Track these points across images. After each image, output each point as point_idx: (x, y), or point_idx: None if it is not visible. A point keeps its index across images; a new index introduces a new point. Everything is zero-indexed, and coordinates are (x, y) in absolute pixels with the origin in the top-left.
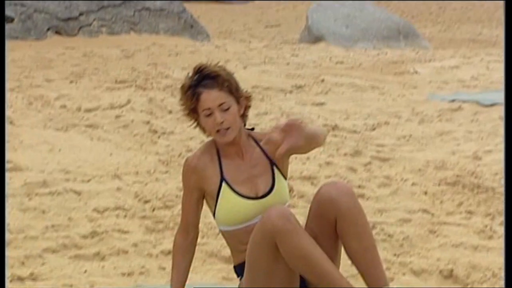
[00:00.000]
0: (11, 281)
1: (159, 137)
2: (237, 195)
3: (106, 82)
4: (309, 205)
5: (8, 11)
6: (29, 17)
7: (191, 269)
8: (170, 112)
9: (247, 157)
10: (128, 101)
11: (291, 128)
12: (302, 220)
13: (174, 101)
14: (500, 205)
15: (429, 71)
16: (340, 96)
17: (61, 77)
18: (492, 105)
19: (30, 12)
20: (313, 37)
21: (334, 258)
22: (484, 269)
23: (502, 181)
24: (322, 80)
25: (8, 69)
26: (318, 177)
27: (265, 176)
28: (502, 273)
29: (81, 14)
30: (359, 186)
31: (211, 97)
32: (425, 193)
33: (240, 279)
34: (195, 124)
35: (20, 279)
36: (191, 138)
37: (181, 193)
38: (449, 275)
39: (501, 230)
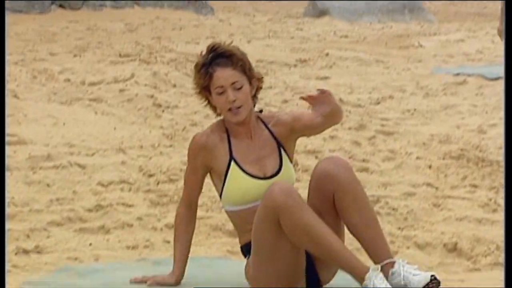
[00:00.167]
0: (16, 254)
1: (163, 111)
2: (246, 175)
3: (110, 56)
4: None
5: None
6: None
7: (195, 242)
8: (174, 86)
9: (255, 138)
10: (132, 75)
11: (324, 93)
12: (306, 193)
13: (178, 75)
14: None
15: (434, 45)
16: (345, 70)
17: (65, 51)
18: (496, 78)
19: None
20: (318, 11)
21: (338, 232)
22: (488, 242)
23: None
24: (327, 54)
25: (12, 42)
26: (322, 151)
27: (273, 157)
28: None
29: None
30: (364, 160)
31: (224, 75)
32: (430, 167)
33: (247, 259)
34: (205, 102)
35: (25, 252)
36: (195, 112)
37: (185, 167)
38: (453, 248)
39: None
